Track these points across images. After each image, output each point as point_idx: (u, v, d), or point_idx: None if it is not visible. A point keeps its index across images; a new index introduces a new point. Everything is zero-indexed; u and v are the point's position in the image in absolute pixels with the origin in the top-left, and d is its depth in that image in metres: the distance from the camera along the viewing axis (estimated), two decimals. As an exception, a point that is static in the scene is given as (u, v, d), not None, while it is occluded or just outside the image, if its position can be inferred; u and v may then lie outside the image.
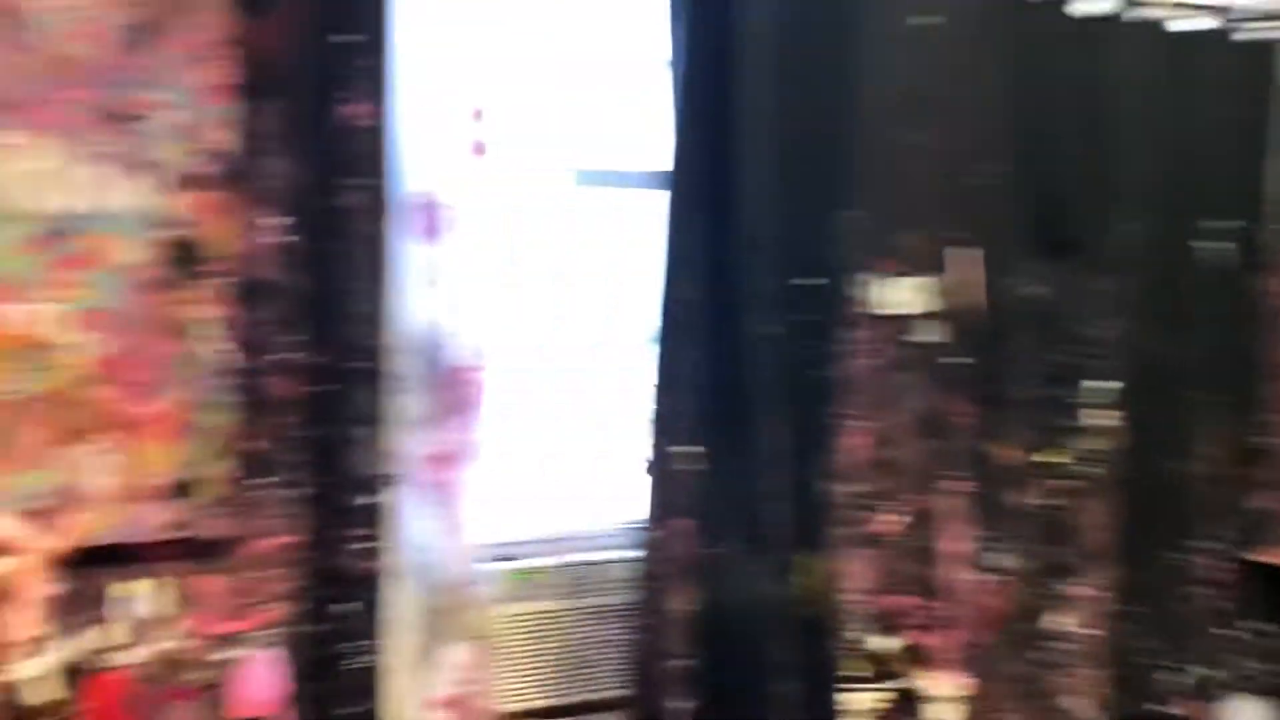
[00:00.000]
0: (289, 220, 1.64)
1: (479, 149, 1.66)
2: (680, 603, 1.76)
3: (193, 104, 1.57)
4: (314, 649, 1.66)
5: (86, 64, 1.53)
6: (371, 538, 1.64)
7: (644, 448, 1.80)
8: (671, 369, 1.80)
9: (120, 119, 1.55)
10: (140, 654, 1.59)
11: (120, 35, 1.54)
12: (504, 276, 1.76)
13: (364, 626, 1.65)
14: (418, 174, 1.65)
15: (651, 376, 1.80)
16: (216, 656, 1.63)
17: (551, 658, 1.78)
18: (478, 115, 1.67)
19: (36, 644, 1.54)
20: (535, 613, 1.78)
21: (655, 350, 1.81)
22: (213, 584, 1.63)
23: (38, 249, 1.52)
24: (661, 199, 1.81)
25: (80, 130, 1.53)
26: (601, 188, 1.96)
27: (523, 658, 1.77)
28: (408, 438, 1.63)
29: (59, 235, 1.53)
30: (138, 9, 1.54)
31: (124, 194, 1.56)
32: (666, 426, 1.79)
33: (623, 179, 1.94)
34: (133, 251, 1.56)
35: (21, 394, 1.52)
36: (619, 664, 1.81)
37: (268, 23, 1.60)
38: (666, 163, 1.81)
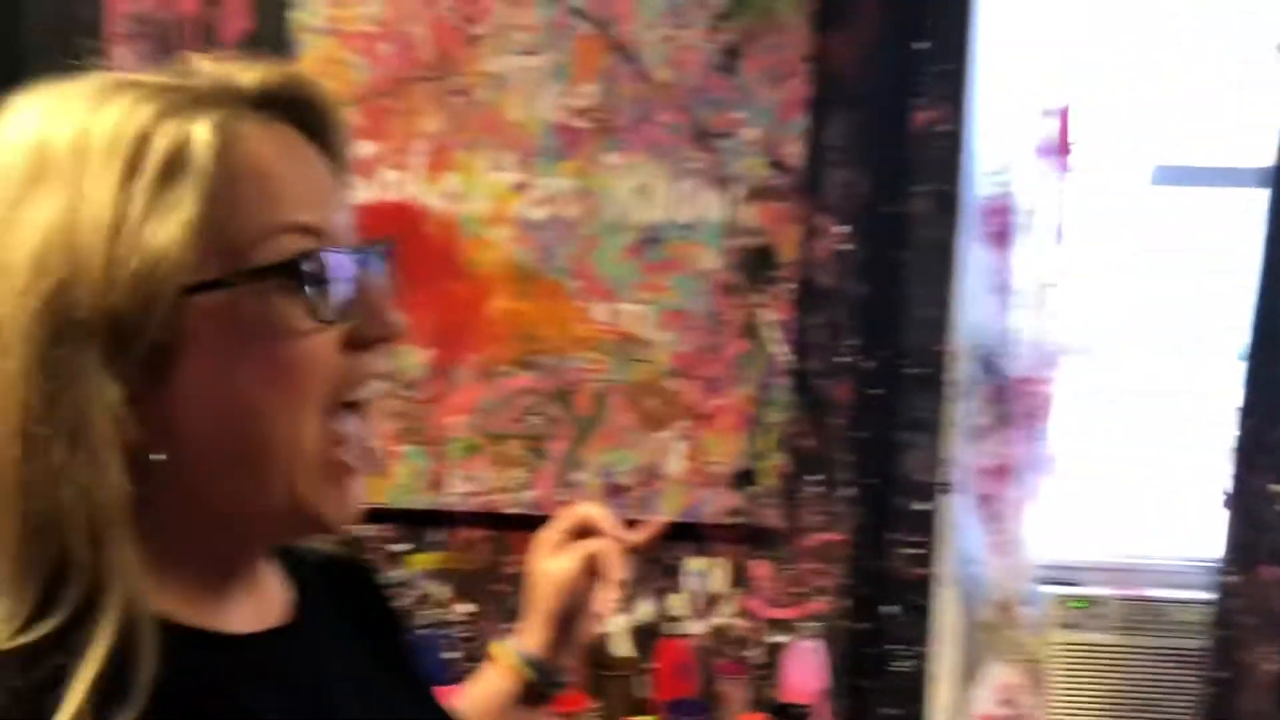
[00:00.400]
0: (851, 227, 1.71)
1: (1057, 149, 1.60)
2: (1262, 661, 1.58)
3: (769, 120, 1.69)
4: (858, 646, 1.73)
5: (679, 88, 1.70)
6: (922, 544, 1.66)
7: (1223, 478, 1.63)
8: (1261, 390, 1.61)
9: (706, 137, 1.70)
10: (700, 626, 1.77)
11: (709, 59, 1.69)
12: (1078, 283, 1.68)
13: (911, 631, 1.68)
14: (990, 177, 1.63)
15: (1237, 397, 1.62)
16: (765, 639, 1.76)
17: (1107, 695, 1.68)
18: (1057, 114, 1.61)
19: (621, 605, 1.78)
20: (1092, 644, 1.69)
21: (1243, 368, 1.62)
22: (764, 570, 1.76)
23: (634, 255, 1.73)
24: (1260, 198, 1.62)
25: (673, 149, 1.71)
26: (1185, 185, 1.79)
27: (1076, 690, 1.70)
28: (966, 447, 1.63)
29: (650, 243, 1.73)
30: (725, 34, 1.68)
31: (706, 206, 1.72)
32: (1250, 456, 1.61)
33: (1211, 176, 1.76)
34: (710, 258, 1.72)
35: (615, 382, 1.74)
36: (1184, 713, 1.66)
37: (844, 37, 1.67)
38: (1269, 157, 1.61)
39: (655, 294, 1.73)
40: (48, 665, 0.50)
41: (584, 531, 0.83)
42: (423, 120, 1.71)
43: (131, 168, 0.51)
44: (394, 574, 1.75)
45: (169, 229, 0.51)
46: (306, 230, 0.55)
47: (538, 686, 0.84)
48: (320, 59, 1.70)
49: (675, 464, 1.75)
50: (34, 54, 1.74)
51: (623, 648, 1.78)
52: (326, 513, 0.58)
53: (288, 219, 0.55)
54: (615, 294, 1.74)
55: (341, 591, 0.74)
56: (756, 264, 1.72)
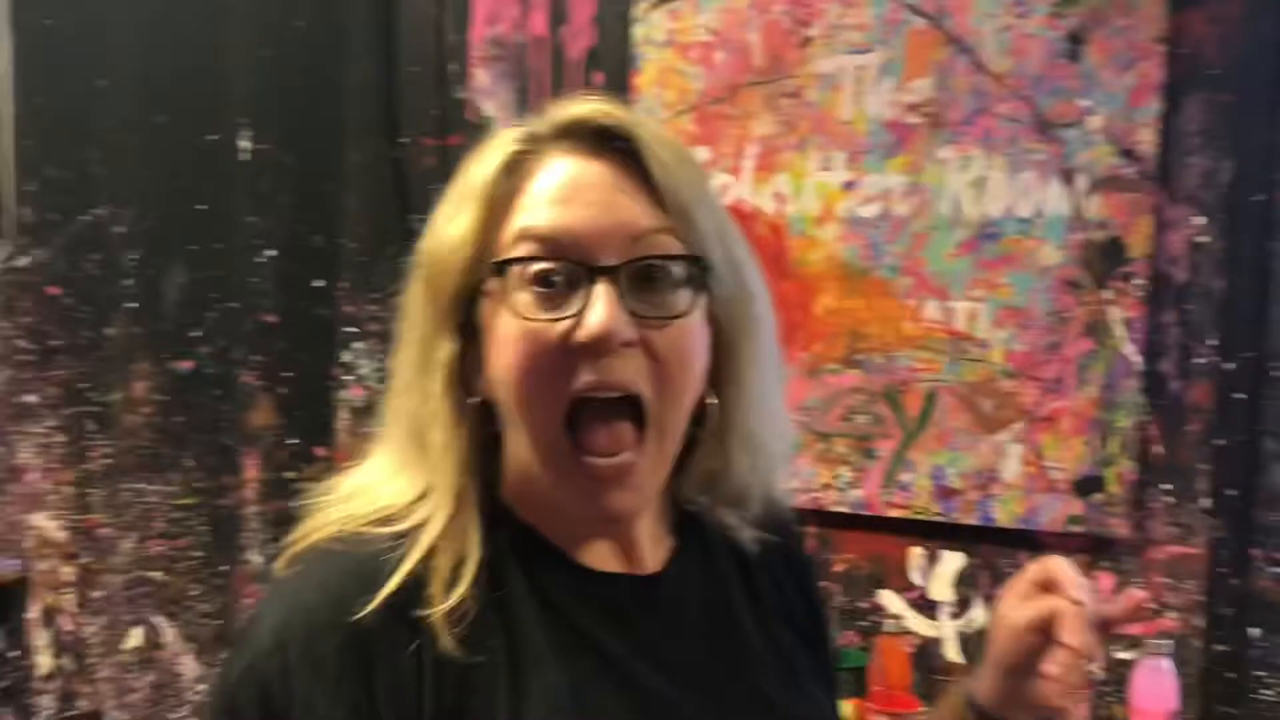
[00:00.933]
0: (1210, 218, 1.61)
1: None
2: None
3: (1119, 107, 1.62)
4: (1215, 670, 1.62)
5: (1019, 78, 1.67)
6: (1297, 562, 1.54)
7: None
8: None
9: (1048, 127, 1.66)
10: (1036, 636, 1.72)
11: (1051, 47, 1.65)
12: None
13: (1277, 657, 1.56)
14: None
15: None
16: (1112, 654, 1.69)
17: None
18: None
19: (946, 608, 1.77)
20: None
21: None
22: (1109, 583, 1.69)
23: (968, 252, 1.71)
24: None
25: (1011, 141, 1.68)
26: None
27: None
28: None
29: (986, 239, 1.70)
30: (1069, 19, 1.63)
31: (1047, 199, 1.67)
32: None
33: None
34: (1052, 253, 1.67)
35: (947, 382, 1.73)
36: None
37: (1203, 15, 1.57)
38: None
39: (990, 291, 1.71)
40: (400, 545, 0.68)
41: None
42: (754, 123, 1.78)
43: (455, 193, 0.72)
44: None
45: (453, 238, 0.70)
46: (534, 239, 0.68)
47: None
48: (659, 70, 1.81)
49: (1011, 468, 1.71)
50: (407, 79, 1.97)
51: (953, 653, 1.77)
52: (572, 504, 0.70)
53: (522, 226, 0.69)
54: (947, 291, 1.73)
55: (757, 571, 0.82)
56: (1103, 258, 1.65)
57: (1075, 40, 1.64)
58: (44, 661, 2.23)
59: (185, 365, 2.13)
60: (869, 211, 1.75)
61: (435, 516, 0.70)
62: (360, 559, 0.69)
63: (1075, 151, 1.65)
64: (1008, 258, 1.70)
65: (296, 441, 2.07)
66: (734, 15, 1.77)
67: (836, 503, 1.80)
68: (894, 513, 1.77)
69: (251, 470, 2.08)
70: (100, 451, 2.20)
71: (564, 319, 0.67)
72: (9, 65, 2.17)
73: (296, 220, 2.05)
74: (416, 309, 0.73)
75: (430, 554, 0.68)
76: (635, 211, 0.69)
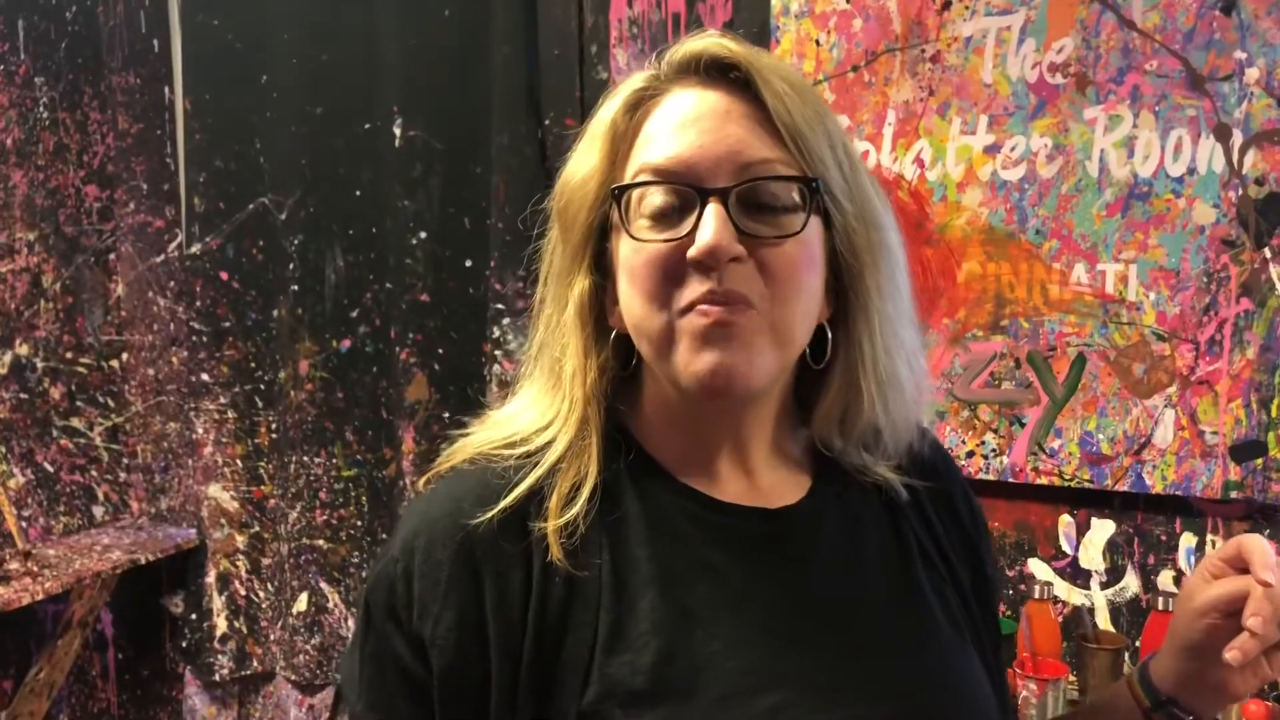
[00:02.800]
0: (1381, 169, 1.62)
1: None
2: None
3: (1278, 57, 1.64)
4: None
5: (1170, 32, 1.70)
6: None
7: None
8: None
9: (1201, 82, 1.69)
10: (1193, 605, 1.76)
11: (1204, 1, 1.68)
12: None
13: None
14: None
15: None
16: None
17: None
18: None
19: (1097, 576, 1.82)
20: None
21: None
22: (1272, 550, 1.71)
23: (1117, 212, 1.76)
24: None
25: (1162, 97, 1.71)
26: None
27: None
28: None
29: (1136, 199, 1.74)
30: (1224, -32, 1.66)
31: (1201, 156, 1.70)
32: None
33: None
34: (1205, 212, 1.70)
35: (1096, 346, 1.79)
36: None
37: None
38: None
39: (1141, 252, 1.75)
40: (524, 465, 0.77)
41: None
42: (893, 90, 1.87)
43: (586, 136, 0.80)
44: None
45: (580, 176, 0.79)
46: (650, 169, 0.75)
47: (1151, 714, 0.83)
48: (796, 40, 1.91)
49: (1164, 434, 1.75)
50: (549, 62, 2.12)
51: (1104, 622, 1.82)
52: (682, 375, 0.74)
53: (642, 160, 0.76)
54: (1096, 254, 1.78)
55: (905, 514, 0.84)
56: (1262, 215, 1.68)
57: (1230, -9, 1.67)
58: (220, 624, 2.49)
59: (345, 344, 2.35)
60: (1013, 175, 1.81)
61: (559, 439, 0.78)
62: (484, 477, 0.77)
63: (1231, 106, 1.68)
64: (1159, 218, 1.73)
65: (450, 415, 2.25)
66: (871, -17, 1.86)
67: (982, 470, 1.87)
68: (1042, 480, 1.83)
69: (408, 443, 2.28)
70: (268, 426, 2.44)
71: (678, 239, 0.73)
72: (179, 64, 2.42)
73: (446, 202, 2.23)
74: (554, 246, 0.81)
75: (551, 473, 0.76)
76: (747, 138, 0.74)
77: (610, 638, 0.72)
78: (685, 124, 0.75)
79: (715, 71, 0.77)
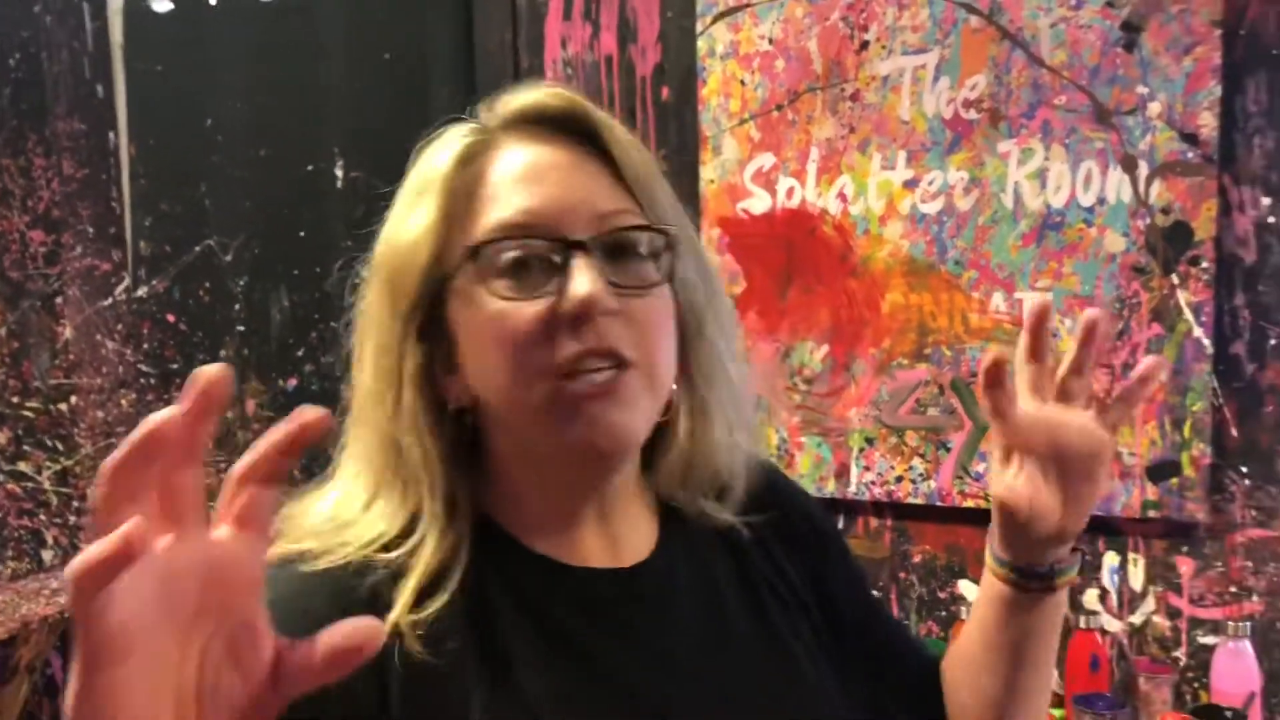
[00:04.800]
0: (1274, 200, 1.71)
1: None
2: None
3: (1178, 92, 1.74)
4: (1299, 650, 1.72)
5: (1076, 69, 1.80)
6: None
7: None
8: None
9: (1107, 116, 1.79)
10: (1117, 623, 1.84)
11: (1106, 36, 1.78)
12: None
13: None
14: None
15: None
16: (1191, 638, 1.79)
17: None
18: None
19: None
20: None
21: None
22: (1189, 567, 1.80)
23: (1032, 242, 1.84)
24: None
25: (1070, 131, 1.81)
26: None
27: None
28: None
29: (1050, 229, 1.83)
30: (1124, 8, 1.76)
31: (1107, 186, 1.80)
32: None
33: None
34: (1116, 240, 1.80)
35: (1017, 372, 1.86)
36: None
37: (1259, -4, 1.68)
38: None
39: (1056, 280, 1.84)
40: (387, 567, 0.70)
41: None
42: (816, 128, 1.95)
43: (409, 192, 0.76)
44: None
45: (413, 234, 0.73)
46: (505, 226, 0.71)
47: (1019, 583, 0.83)
48: (722, 81, 2.00)
49: (1083, 454, 1.83)
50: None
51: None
52: (572, 441, 0.71)
53: (491, 218, 0.72)
54: (1013, 282, 1.86)
55: (750, 552, 0.85)
56: (1169, 243, 1.77)
57: (1130, 29, 1.76)
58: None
59: (291, 383, 2.41)
60: (932, 208, 1.90)
61: (429, 536, 0.71)
62: (333, 575, 0.69)
63: (1136, 138, 1.77)
64: (1072, 247, 1.82)
65: (395, 451, 2.31)
66: (792, 24, 1.95)
67: (911, 495, 1.94)
68: (969, 503, 1.91)
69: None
70: (217, 468, 2.49)
71: (543, 295, 0.70)
72: (123, 109, 2.49)
73: (388, 241, 2.29)
74: (375, 316, 0.75)
75: (418, 567, 0.70)
76: (598, 189, 0.73)
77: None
78: (533, 176, 0.73)
79: (550, 125, 0.75)
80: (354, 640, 0.48)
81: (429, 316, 0.74)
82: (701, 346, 0.79)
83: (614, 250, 0.73)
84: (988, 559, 0.86)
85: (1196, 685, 1.79)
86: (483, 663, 0.70)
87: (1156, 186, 1.77)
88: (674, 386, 0.79)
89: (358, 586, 0.69)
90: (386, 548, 0.72)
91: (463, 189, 0.74)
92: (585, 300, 0.69)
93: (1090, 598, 1.86)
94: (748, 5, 1.97)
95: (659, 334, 0.75)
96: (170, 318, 2.48)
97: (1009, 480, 0.80)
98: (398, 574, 0.71)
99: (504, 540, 0.77)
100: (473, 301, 0.73)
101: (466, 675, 0.70)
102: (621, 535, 0.80)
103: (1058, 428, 0.78)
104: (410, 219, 0.75)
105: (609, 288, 0.71)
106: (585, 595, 0.76)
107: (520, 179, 0.73)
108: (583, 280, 0.70)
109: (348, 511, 0.74)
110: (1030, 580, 0.83)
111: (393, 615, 0.69)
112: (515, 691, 0.70)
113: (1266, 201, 1.73)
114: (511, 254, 0.72)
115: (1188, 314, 1.76)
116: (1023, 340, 0.82)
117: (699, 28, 2.01)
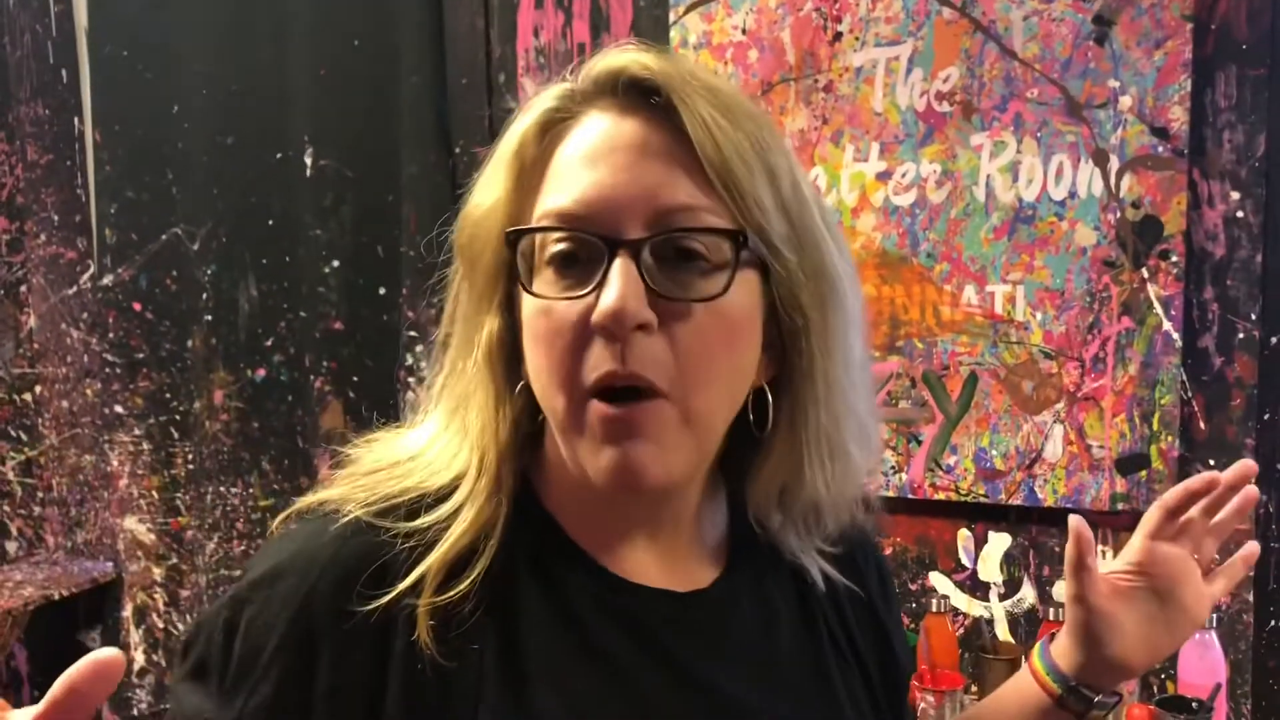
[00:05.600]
0: (1243, 194, 1.73)
1: None
2: None
3: (1149, 86, 1.75)
4: (1265, 644, 1.74)
5: (1047, 62, 1.81)
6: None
7: None
8: None
9: (1079, 109, 1.79)
10: (1084, 614, 1.85)
11: (1078, 30, 1.78)
12: None
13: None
14: None
15: None
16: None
17: None
18: None
19: (995, 589, 1.91)
20: None
21: None
22: (1155, 558, 1.81)
23: (1004, 235, 1.85)
24: None
25: (1042, 124, 1.81)
26: None
27: None
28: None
29: (1021, 222, 1.84)
30: (1094, 2, 1.77)
31: (1079, 180, 1.80)
32: None
33: None
34: (1086, 234, 1.81)
35: (987, 365, 1.88)
36: None
37: (1229, -10, 1.69)
38: None
39: (1027, 273, 1.84)
40: (415, 532, 0.67)
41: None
42: (789, 119, 1.95)
43: (493, 158, 0.71)
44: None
45: (484, 207, 0.69)
46: (554, 215, 0.65)
47: (1063, 700, 0.86)
48: (694, 71, 1.99)
49: (1054, 448, 1.85)
50: (458, 91, 2.19)
51: (1003, 633, 1.91)
52: (588, 468, 0.66)
53: (544, 205, 0.67)
54: (985, 275, 1.87)
55: (819, 597, 0.80)
56: (1139, 237, 1.78)
57: (1102, 22, 1.77)
58: (138, 658, 2.51)
59: (260, 373, 2.39)
60: (905, 200, 1.90)
61: (467, 506, 0.68)
62: (351, 529, 0.67)
63: (1107, 132, 1.78)
64: (1043, 240, 1.83)
65: (365, 442, 2.30)
66: (765, 14, 1.94)
67: (882, 487, 1.95)
68: (939, 496, 1.92)
69: (324, 471, 2.32)
70: (184, 457, 2.47)
71: (583, 297, 0.64)
72: (88, 95, 2.46)
73: (358, 231, 2.28)
74: (459, 283, 0.72)
75: (439, 536, 0.67)
76: (665, 178, 0.64)
77: None
78: (596, 157, 0.65)
79: (635, 94, 0.67)
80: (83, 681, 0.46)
81: (504, 288, 0.70)
82: (804, 354, 0.70)
83: (671, 253, 0.64)
84: (1037, 664, 0.89)
85: (1164, 676, 1.81)
86: (499, 665, 0.66)
87: (1127, 180, 1.78)
88: (770, 397, 0.71)
89: (370, 548, 0.67)
90: (418, 502, 0.69)
91: (535, 162, 0.68)
92: (610, 314, 0.62)
93: (1060, 590, 1.87)
94: (721, -5, 1.96)
95: (706, 367, 0.65)
96: (136, 306, 2.46)
97: (1102, 589, 0.84)
98: (424, 545, 0.67)
99: (547, 526, 0.72)
100: (524, 289, 0.68)
101: (478, 679, 0.65)
102: (676, 559, 0.74)
103: (1175, 571, 0.85)
104: (487, 190, 0.70)
105: (650, 296, 0.63)
106: (631, 611, 0.71)
107: (584, 160, 0.66)
108: (613, 290, 0.62)
109: (404, 456, 0.73)
110: (1073, 698, 0.87)
111: (402, 586, 0.65)
112: (529, 708, 0.66)
113: (1235, 196, 1.74)
114: (558, 247, 0.65)
115: (1157, 307, 1.77)
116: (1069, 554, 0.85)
117: (672, 18, 2.00)
